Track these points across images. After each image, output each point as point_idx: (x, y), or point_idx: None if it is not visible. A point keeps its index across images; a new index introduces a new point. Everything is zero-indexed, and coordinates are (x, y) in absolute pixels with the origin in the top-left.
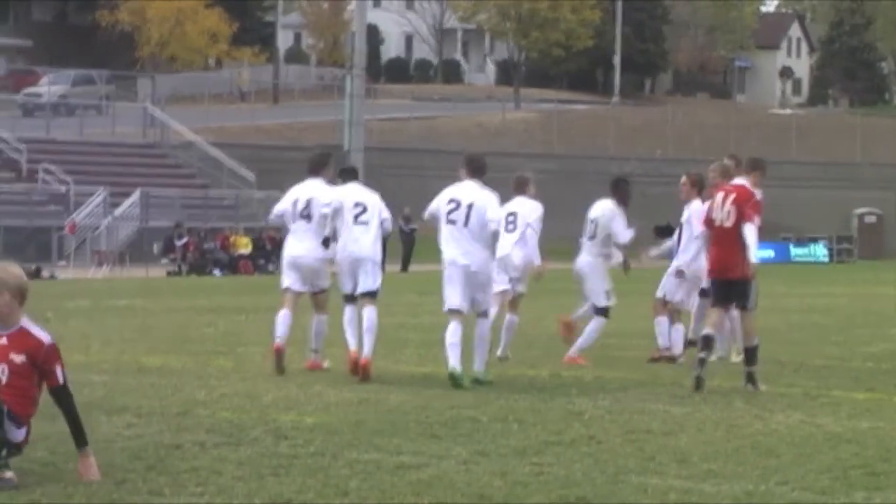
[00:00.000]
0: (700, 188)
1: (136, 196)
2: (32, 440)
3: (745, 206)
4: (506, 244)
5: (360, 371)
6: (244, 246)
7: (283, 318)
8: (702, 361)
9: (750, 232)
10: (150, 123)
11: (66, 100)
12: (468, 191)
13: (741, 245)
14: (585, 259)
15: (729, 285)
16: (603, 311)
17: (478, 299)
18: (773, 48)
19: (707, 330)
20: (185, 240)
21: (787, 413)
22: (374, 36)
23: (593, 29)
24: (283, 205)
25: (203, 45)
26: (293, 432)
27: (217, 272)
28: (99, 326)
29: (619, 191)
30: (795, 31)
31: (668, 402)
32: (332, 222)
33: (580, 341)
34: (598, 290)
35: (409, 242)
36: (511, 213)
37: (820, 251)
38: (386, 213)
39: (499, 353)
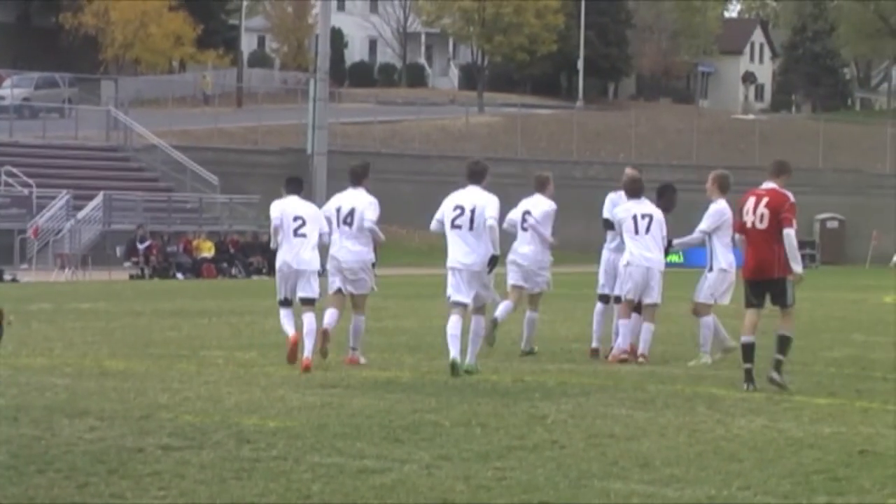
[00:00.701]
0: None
1: (99, 199)
2: None
3: (783, 209)
4: (520, 242)
5: (303, 369)
6: (207, 249)
7: (330, 313)
8: (748, 372)
9: (791, 238)
10: (113, 126)
11: (29, 102)
12: (470, 196)
13: (777, 245)
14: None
15: (766, 285)
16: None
17: (479, 296)
18: (736, 53)
19: (747, 337)
20: (147, 243)
21: (750, 418)
22: (338, 40)
23: (557, 33)
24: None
25: (167, 48)
26: (256, 436)
27: (180, 275)
28: (61, 329)
29: (665, 198)
30: (758, 36)
31: (630, 406)
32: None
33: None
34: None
35: None
36: (527, 211)
37: None
38: (325, 227)
39: (522, 346)
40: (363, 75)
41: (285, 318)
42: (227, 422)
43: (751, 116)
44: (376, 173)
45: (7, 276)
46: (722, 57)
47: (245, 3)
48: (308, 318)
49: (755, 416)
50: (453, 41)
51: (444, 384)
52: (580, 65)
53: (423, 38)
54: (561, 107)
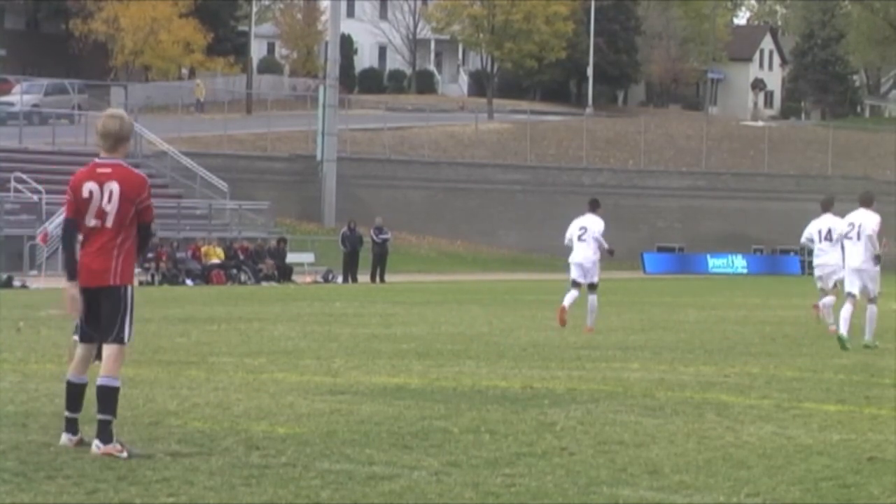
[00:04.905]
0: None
1: None
2: (2, 450)
3: None
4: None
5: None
6: (217, 256)
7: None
8: None
9: None
10: None
11: (38, 109)
12: (859, 216)
13: None
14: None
15: None
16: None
17: (866, 289)
18: (745, 60)
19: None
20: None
21: (759, 425)
22: (347, 46)
23: (566, 40)
24: (811, 230)
25: (177, 55)
26: (265, 442)
27: (189, 282)
28: (70, 336)
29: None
30: (768, 43)
31: (639, 413)
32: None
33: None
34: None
35: (381, 253)
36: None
37: (792, 263)
38: (596, 233)
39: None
40: (373, 82)
41: (569, 294)
42: (236, 428)
43: (760, 123)
44: (385, 179)
45: (17, 283)
46: (731, 64)
47: (255, 10)
48: (592, 299)
49: (764, 422)
50: (463, 48)
51: (452, 391)
52: (590, 72)
53: (432, 44)
54: (570, 113)
